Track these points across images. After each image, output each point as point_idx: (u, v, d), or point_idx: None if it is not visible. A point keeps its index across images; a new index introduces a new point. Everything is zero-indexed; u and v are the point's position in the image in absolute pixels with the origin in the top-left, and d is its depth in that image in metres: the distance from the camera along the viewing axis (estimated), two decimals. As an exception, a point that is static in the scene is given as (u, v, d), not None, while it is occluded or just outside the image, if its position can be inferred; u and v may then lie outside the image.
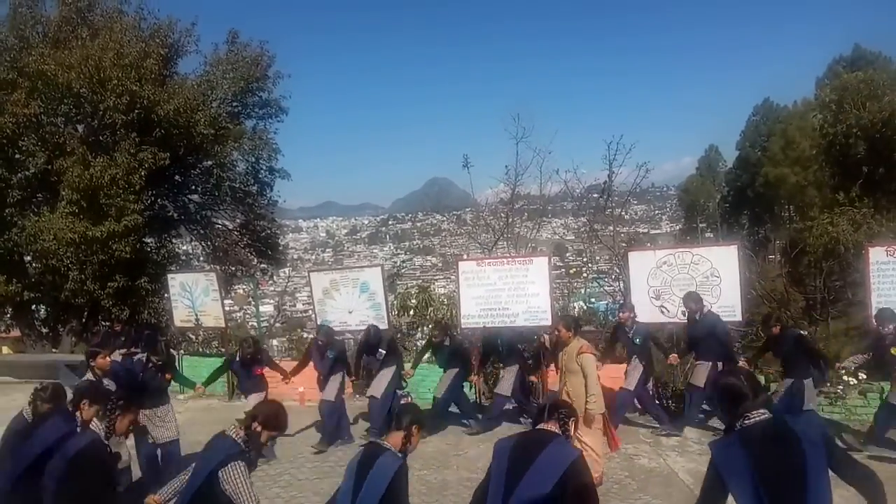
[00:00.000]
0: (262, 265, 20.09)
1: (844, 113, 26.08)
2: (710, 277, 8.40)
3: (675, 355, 8.25)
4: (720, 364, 7.42)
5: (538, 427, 3.40)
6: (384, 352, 8.26)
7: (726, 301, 8.26)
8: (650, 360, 8.15)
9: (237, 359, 7.85)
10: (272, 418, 3.58)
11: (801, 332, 8.30)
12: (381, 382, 8.14)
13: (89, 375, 5.80)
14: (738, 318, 8.50)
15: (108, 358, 5.91)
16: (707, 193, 49.77)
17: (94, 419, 3.85)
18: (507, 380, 8.38)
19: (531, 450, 3.18)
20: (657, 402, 8.67)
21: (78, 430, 3.90)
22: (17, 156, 14.89)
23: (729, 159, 53.98)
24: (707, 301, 8.19)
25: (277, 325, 17.79)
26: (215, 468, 3.25)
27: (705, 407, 8.46)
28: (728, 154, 54.80)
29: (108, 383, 5.65)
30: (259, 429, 3.47)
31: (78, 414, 4.08)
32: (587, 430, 5.87)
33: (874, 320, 7.15)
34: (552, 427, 3.33)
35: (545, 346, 8.68)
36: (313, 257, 72.89)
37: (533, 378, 8.76)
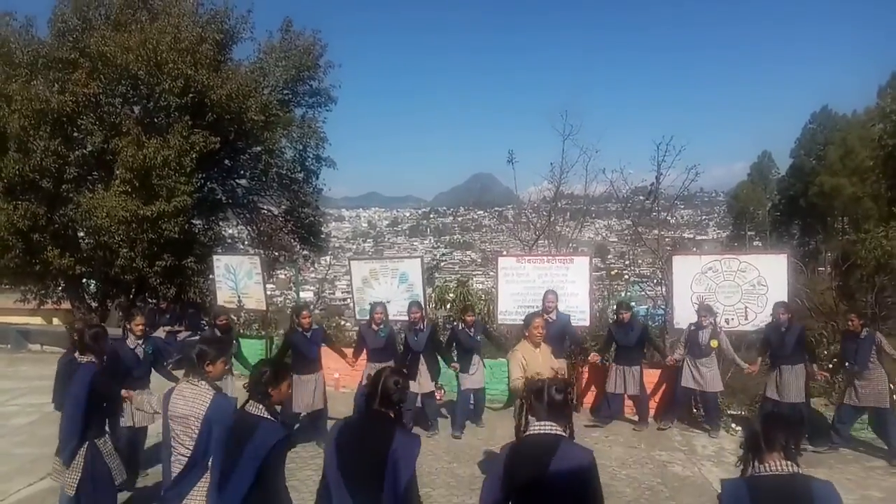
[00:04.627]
0: (305, 252, 20.33)
1: (905, 123, 25.16)
2: (756, 286, 8.21)
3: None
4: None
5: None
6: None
7: (772, 311, 8.07)
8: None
9: (300, 330, 7.35)
10: None
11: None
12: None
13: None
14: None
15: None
16: (757, 201, 48.67)
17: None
18: None
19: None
20: None
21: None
22: (76, 134, 15.31)
23: (782, 167, 52.75)
24: (752, 310, 8.08)
25: (317, 311, 18.02)
26: None
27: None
28: (781, 162, 53.55)
29: None
30: None
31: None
32: None
33: None
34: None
35: None
36: (354, 247, 73.74)
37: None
